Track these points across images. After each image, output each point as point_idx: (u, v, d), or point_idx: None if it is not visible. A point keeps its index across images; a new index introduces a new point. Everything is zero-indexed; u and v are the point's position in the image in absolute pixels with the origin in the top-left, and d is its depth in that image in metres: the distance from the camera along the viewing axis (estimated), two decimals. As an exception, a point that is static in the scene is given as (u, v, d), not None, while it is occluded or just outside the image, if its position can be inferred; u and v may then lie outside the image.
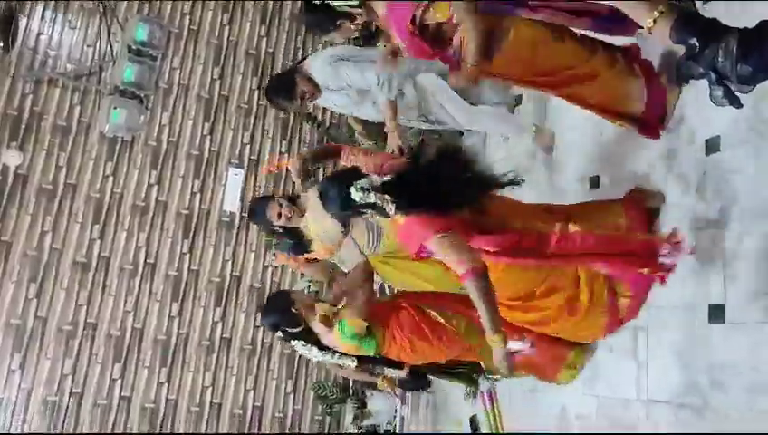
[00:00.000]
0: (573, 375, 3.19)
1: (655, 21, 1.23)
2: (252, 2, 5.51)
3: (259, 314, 5.03)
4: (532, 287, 2.67)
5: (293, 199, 3.34)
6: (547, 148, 3.66)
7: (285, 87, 3.50)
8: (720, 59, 1.16)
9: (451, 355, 3.16)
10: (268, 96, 3.66)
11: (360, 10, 2.84)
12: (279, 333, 2.98)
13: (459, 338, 2.98)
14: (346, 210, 2.32)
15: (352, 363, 2.89)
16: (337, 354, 2.87)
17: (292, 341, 2.95)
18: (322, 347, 2.85)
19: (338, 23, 2.90)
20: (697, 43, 1.18)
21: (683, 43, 1.21)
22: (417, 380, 3.47)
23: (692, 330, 2.68)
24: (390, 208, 2.21)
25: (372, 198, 2.21)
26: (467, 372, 3.67)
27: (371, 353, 2.87)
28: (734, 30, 1.18)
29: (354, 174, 2.32)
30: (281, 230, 3.35)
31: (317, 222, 3.03)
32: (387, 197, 2.21)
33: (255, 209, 3.44)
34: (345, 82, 3.49)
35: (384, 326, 2.90)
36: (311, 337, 2.93)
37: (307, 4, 3.03)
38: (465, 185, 2.27)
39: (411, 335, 2.92)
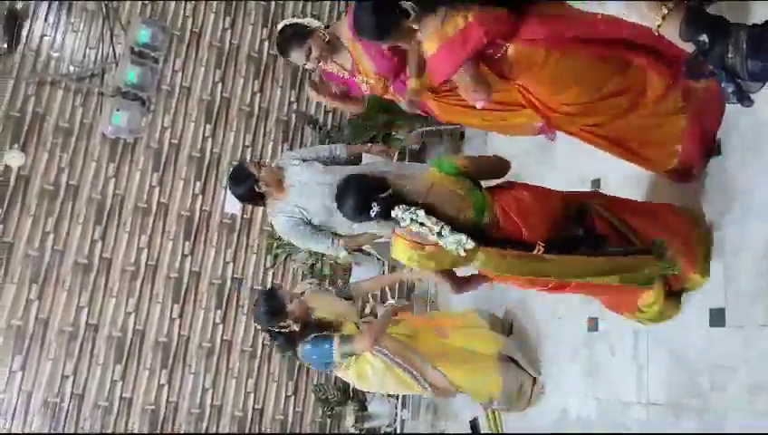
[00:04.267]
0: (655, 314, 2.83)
1: (664, 18, 1.22)
2: (254, 2, 5.52)
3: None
4: (593, 87, 2.52)
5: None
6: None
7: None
8: (730, 55, 1.15)
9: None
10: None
11: (322, 28, 3.10)
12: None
13: None
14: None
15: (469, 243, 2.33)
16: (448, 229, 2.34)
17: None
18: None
19: (310, 31, 3.11)
20: (707, 40, 1.18)
21: (692, 41, 1.20)
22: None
23: (692, 332, 2.68)
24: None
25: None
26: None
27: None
28: (743, 26, 1.17)
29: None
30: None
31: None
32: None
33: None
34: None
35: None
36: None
37: (281, 29, 3.24)
38: None
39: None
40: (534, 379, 3.57)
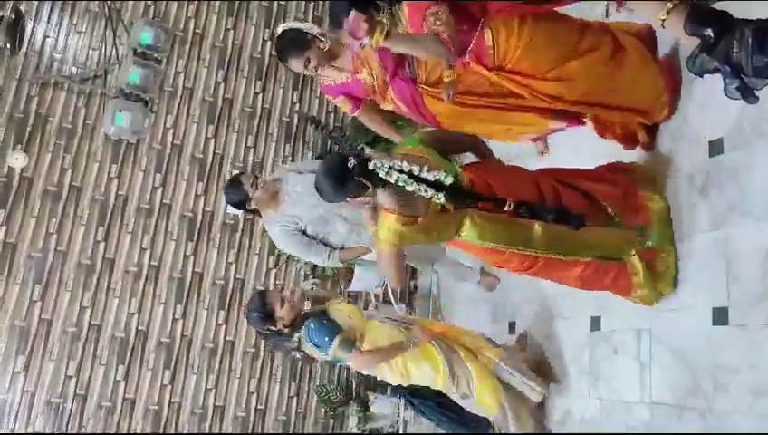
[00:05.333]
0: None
1: (668, 13, 1.21)
2: (256, 3, 5.53)
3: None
4: (566, 47, 2.66)
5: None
6: (491, 288, 4.16)
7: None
8: (735, 50, 1.14)
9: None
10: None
11: (321, 34, 3.16)
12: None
13: None
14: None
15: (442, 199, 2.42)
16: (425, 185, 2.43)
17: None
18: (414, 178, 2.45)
19: (309, 40, 3.15)
20: (712, 35, 1.16)
21: (697, 36, 1.18)
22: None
23: (696, 332, 2.67)
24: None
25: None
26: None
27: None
28: (748, 21, 1.16)
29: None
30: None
31: None
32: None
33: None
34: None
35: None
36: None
37: (280, 34, 3.28)
38: None
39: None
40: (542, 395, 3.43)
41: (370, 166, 2.38)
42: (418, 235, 2.43)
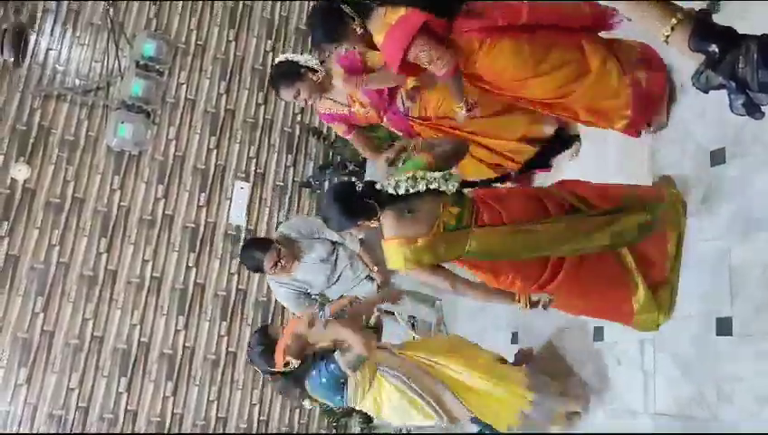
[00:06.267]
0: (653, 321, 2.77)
1: (673, 28, 1.20)
2: (258, 16, 5.56)
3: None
4: (536, 59, 2.78)
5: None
6: None
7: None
8: (740, 66, 1.13)
9: None
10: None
11: (316, 66, 3.30)
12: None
13: None
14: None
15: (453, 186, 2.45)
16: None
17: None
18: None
19: (301, 73, 3.28)
20: (717, 51, 1.15)
21: (702, 51, 1.17)
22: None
23: (699, 342, 2.67)
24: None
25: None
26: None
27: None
28: (754, 36, 1.15)
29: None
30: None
31: None
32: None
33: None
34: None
35: None
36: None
37: (275, 65, 3.42)
38: None
39: None
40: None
41: (377, 186, 2.42)
42: (425, 254, 2.41)
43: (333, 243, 3.88)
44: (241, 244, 4.41)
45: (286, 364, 2.79)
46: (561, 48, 2.81)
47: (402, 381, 3.02)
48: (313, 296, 3.79)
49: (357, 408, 3.03)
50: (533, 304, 2.59)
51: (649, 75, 2.91)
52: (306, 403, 2.97)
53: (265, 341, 2.86)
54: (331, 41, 2.93)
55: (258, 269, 3.70)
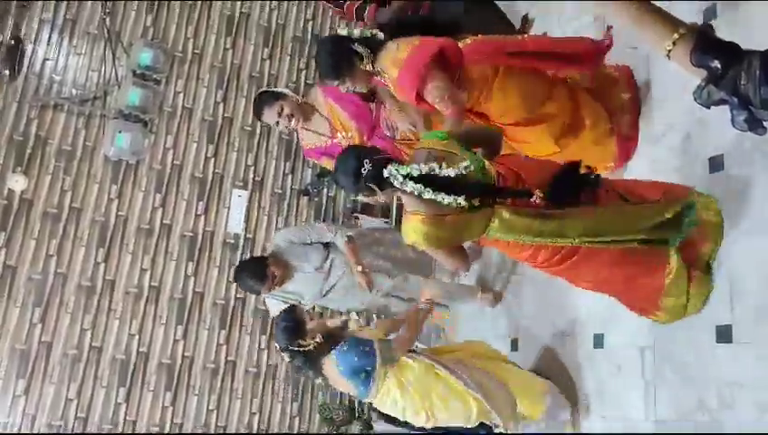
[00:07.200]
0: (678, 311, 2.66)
1: (674, 43, 1.19)
2: (254, 23, 5.56)
3: (264, 337, 5.03)
4: (536, 100, 2.87)
5: None
6: (493, 304, 4.15)
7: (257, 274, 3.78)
8: (743, 82, 1.12)
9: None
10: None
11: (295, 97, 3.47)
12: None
13: None
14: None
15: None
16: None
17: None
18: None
19: (283, 93, 3.46)
20: (719, 67, 1.15)
21: (704, 67, 1.17)
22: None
23: (699, 349, 2.66)
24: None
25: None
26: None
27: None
28: (756, 52, 1.14)
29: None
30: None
31: None
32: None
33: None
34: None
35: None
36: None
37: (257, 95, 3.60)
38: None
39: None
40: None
41: (385, 173, 2.30)
42: (444, 234, 2.32)
43: (327, 246, 3.89)
44: (237, 264, 4.40)
45: (307, 345, 2.81)
46: (558, 95, 2.96)
47: (429, 358, 3.03)
48: (306, 308, 3.76)
49: (374, 403, 3.00)
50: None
51: (629, 117, 3.11)
52: (319, 380, 3.01)
53: (292, 319, 2.88)
54: (334, 77, 2.88)
55: (255, 292, 3.77)
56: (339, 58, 2.82)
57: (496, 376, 3.17)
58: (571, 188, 2.33)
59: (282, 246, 3.89)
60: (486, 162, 2.38)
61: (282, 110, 3.49)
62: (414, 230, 2.33)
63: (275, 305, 3.78)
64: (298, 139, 4.15)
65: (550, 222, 2.30)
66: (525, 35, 3.04)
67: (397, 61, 2.69)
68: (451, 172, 2.25)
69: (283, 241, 3.93)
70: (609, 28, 2.94)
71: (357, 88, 3.00)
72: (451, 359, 3.19)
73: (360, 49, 2.76)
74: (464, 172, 2.25)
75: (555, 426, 3.28)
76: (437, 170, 2.25)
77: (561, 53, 2.89)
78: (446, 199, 2.22)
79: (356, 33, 2.81)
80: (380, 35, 2.80)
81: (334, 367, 2.87)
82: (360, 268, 3.80)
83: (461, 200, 2.22)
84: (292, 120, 3.52)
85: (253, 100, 3.52)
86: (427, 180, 2.24)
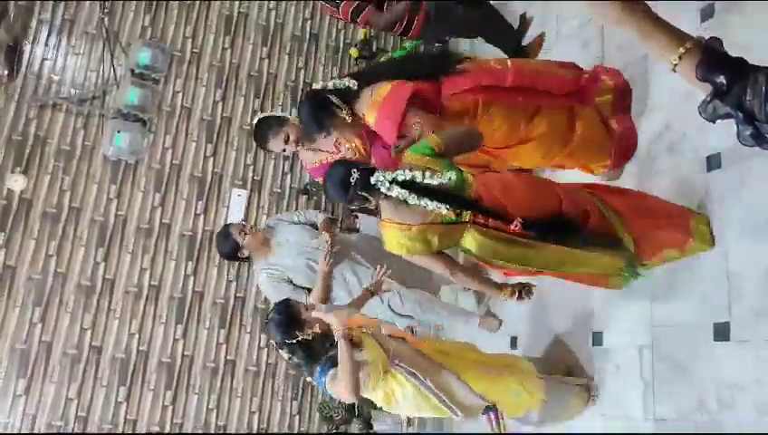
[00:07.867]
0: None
1: (681, 57, 1.18)
2: (253, 22, 5.56)
3: (264, 335, 5.03)
4: (521, 124, 2.90)
5: None
6: (493, 330, 4.06)
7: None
8: (748, 97, 1.12)
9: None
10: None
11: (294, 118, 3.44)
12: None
13: None
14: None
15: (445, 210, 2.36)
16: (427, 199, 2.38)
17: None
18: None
19: (286, 119, 3.48)
20: (725, 82, 1.15)
21: (709, 81, 1.16)
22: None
23: (698, 348, 2.67)
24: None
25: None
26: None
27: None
28: (762, 68, 1.14)
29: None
30: None
31: None
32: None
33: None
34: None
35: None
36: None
37: (256, 123, 3.59)
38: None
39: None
40: (587, 386, 3.26)
41: (372, 180, 2.40)
42: (416, 243, 2.42)
43: (316, 228, 3.87)
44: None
45: (304, 336, 2.76)
46: (547, 112, 2.94)
47: (417, 379, 2.94)
48: (298, 285, 3.69)
49: (366, 396, 2.96)
50: (519, 296, 2.66)
51: (622, 122, 3.08)
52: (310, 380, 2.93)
53: (285, 310, 2.81)
54: (319, 131, 3.04)
55: (234, 252, 3.72)
56: (318, 113, 2.98)
57: (494, 367, 3.16)
58: (556, 231, 2.45)
59: (270, 224, 3.94)
60: (470, 177, 2.49)
61: (288, 137, 3.50)
62: (392, 237, 2.45)
63: (264, 281, 3.68)
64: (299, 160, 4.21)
65: (516, 249, 2.43)
66: (509, 62, 3.00)
67: (374, 105, 2.82)
68: (434, 181, 2.37)
69: (271, 221, 4.02)
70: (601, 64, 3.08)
71: (346, 136, 3.20)
72: (432, 353, 3.10)
73: (335, 101, 2.92)
74: (445, 182, 2.38)
75: (560, 407, 3.22)
76: (420, 178, 2.36)
77: (542, 90, 2.95)
78: (430, 206, 2.33)
79: (330, 84, 3.00)
80: (353, 85, 2.95)
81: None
82: (328, 238, 3.68)
83: (443, 209, 2.33)
84: (297, 145, 3.54)
85: (253, 128, 3.53)
86: (412, 186, 2.35)
